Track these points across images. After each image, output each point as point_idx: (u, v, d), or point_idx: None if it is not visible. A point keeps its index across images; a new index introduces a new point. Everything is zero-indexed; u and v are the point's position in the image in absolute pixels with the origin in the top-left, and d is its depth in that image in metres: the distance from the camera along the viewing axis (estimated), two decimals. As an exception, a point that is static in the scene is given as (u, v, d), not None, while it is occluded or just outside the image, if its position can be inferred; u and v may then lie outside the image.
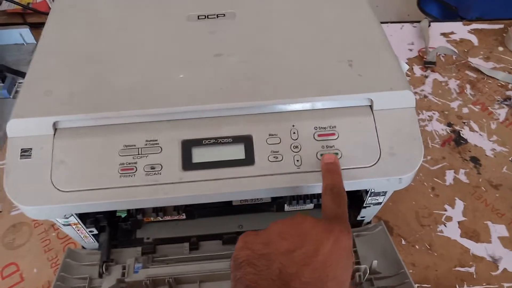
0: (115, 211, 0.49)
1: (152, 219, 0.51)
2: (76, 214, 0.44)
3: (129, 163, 0.40)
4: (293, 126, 0.41)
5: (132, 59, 0.45)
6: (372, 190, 0.45)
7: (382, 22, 0.50)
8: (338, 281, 0.30)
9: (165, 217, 0.50)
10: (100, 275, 0.48)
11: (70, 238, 0.58)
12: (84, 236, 0.49)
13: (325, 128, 0.41)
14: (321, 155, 0.41)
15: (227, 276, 0.47)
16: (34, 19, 0.89)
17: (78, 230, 0.48)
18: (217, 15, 0.50)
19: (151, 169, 0.40)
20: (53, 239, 0.60)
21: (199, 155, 0.41)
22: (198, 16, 0.50)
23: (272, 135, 0.41)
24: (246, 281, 0.29)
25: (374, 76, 0.43)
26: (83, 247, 0.54)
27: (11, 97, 0.71)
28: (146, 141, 0.41)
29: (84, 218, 0.47)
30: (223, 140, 0.41)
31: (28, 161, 0.40)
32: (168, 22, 0.50)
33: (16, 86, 0.73)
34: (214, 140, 0.41)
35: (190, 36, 0.48)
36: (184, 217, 0.51)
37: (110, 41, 0.47)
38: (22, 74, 0.73)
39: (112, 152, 0.40)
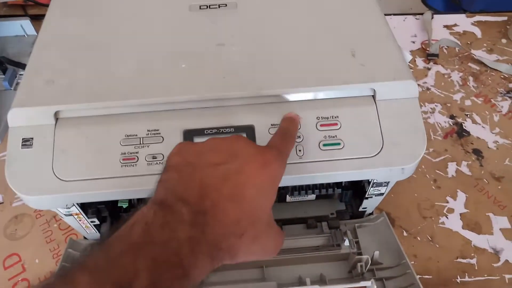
0: (116, 202, 0.49)
1: (153, 209, 0.51)
2: (77, 204, 0.44)
3: (131, 153, 0.40)
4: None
5: (134, 48, 0.45)
6: (375, 181, 0.45)
7: (385, 14, 0.50)
8: (256, 204, 0.30)
9: (166, 207, 0.50)
10: (102, 265, 0.48)
11: (71, 229, 0.58)
12: (86, 227, 0.49)
13: (327, 118, 0.41)
14: (324, 145, 0.41)
15: (224, 266, 0.47)
16: (35, 11, 0.88)
17: (80, 221, 0.48)
18: (219, 5, 0.50)
19: (153, 158, 0.40)
20: (55, 230, 0.60)
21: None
22: (200, 6, 0.50)
23: (274, 125, 0.41)
24: (166, 184, 0.30)
25: (377, 66, 0.43)
26: (85, 238, 0.54)
27: (12, 88, 0.71)
28: (148, 130, 0.41)
29: (86, 208, 0.47)
30: (225, 130, 0.41)
31: (30, 150, 0.40)
32: (169, 12, 0.49)
33: (17, 78, 0.73)
34: (216, 130, 0.41)
35: (192, 26, 0.48)
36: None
37: (111, 31, 0.47)
38: (23, 66, 0.73)
39: (113, 142, 0.40)
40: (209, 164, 0.30)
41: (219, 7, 0.50)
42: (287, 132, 0.37)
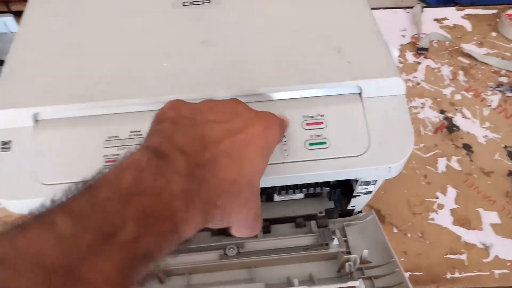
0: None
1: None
2: (60, 207, 0.43)
3: (113, 155, 0.39)
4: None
5: (115, 47, 0.44)
6: (362, 179, 0.45)
7: (374, 8, 0.49)
8: (252, 165, 0.29)
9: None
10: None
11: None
12: (70, 229, 0.48)
13: (313, 116, 0.41)
14: (310, 144, 0.40)
15: (212, 267, 0.47)
16: (18, 7, 0.86)
17: (64, 224, 0.47)
18: (202, 1, 0.49)
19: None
20: (41, 232, 0.59)
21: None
22: (183, 3, 0.49)
23: (259, 124, 0.40)
24: (163, 133, 0.28)
25: (363, 63, 0.42)
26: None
27: (-5, 88, 0.70)
28: (130, 132, 0.40)
29: (69, 211, 0.46)
30: (209, 130, 0.40)
31: (8, 154, 0.39)
32: (152, 9, 0.48)
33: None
34: (199, 130, 0.40)
35: (174, 23, 0.46)
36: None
37: (91, 29, 0.46)
38: (6, 64, 0.71)
39: (95, 144, 0.39)
40: (209, 121, 0.29)
41: (202, 3, 0.48)
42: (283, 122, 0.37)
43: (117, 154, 0.39)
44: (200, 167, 0.26)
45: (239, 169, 0.28)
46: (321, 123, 0.40)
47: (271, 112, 0.34)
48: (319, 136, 0.40)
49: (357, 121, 0.41)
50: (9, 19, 0.79)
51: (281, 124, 0.33)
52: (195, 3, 0.48)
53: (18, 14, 0.81)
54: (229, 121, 0.29)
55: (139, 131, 0.40)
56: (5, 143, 0.39)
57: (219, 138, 0.28)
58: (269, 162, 0.38)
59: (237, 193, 0.28)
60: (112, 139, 0.40)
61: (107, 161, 0.39)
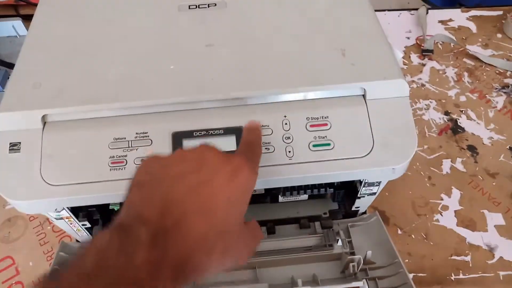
0: (108, 205, 0.49)
1: (145, 211, 0.50)
2: (68, 207, 0.44)
3: (119, 156, 0.40)
4: (285, 116, 0.41)
5: (122, 50, 0.45)
6: (366, 181, 0.45)
7: (380, 10, 0.49)
8: (226, 216, 0.28)
9: (158, 209, 0.50)
10: (94, 268, 0.48)
11: (65, 232, 0.58)
12: (77, 230, 0.49)
13: (317, 118, 0.41)
14: (314, 146, 0.40)
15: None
16: (27, 11, 0.87)
17: (71, 224, 0.48)
18: (208, 4, 0.49)
19: (142, 162, 0.40)
20: (49, 233, 0.60)
21: (190, 147, 0.40)
22: (189, 6, 0.49)
23: (264, 126, 0.41)
24: (128, 203, 0.28)
25: (367, 65, 0.42)
26: (77, 241, 0.54)
27: (4, 90, 0.71)
28: (136, 133, 0.41)
29: (77, 211, 0.47)
30: (214, 132, 0.40)
31: (17, 155, 0.39)
32: (158, 12, 0.49)
33: (9, 79, 0.72)
34: (205, 132, 0.40)
35: (180, 26, 0.47)
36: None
37: (99, 33, 0.47)
38: (15, 67, 0.72)
39: (102, 145, 0.40)
40: (173, 176, 0.28)
41: (208, 6, 0.49)
42: (251, 141, 0.36)
43: (123, 155, 0.40)
44: (163, 233, 0.25)
45: (207, 223, 0.27)
46: (326, 124, 0.41)
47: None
48: (323, 137, 0.40)
49: (361, 122, 0.41)
50: (18, 23, 0.80)
51: (252, 162, 0.32)
52: (201, 6, 0.49)
53: (26, 18, 0.83)
54: (192, 171, 0.28)
55: (145, 133, 0.40)
56: (14, 144, 0.40)
57: (183, 197, 0.27)
58: (273, 164, 0.40)
59: (209, 250, 0.27)
60: (119, 140, 0.40)
61: (112, 162, 0.40)
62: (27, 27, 0.81)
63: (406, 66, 0.79)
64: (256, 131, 0.37)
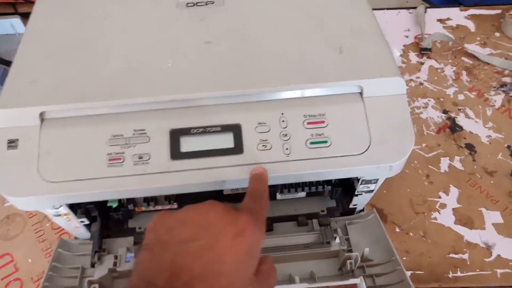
0: (106, 201, 0.49)
1: (143, 209, 0.50)
2: (66, 204, 0.44)
3: (117, 153, 0.40)
4: (282, 114, 0.41)
5: (120, 47, 0.45)
6: (363, 178, 0.45)
7: (378, 9, 0.50)
8: (233, 277, 0.28)
9: (156, 206, 0.50)
10: (92, 265, 0.48)
11: (64, 229, 0.58)
12: (75, 227, 0.49)
13: (314, 116, 0.41)
14: (311, 143, 0.40)
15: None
16: (25, 9, 0.88)
17: (69, 221, 0.48)
18: (206, 2, 0.49)
19: (139, 158, 0.40)
20: (47, 230, 0.60)
21: (188, 144, 0.40)
22: (187, 4, 0.49)
23: (261, 123, 0.41)
24: (139, 267, 0.29)
25: (364, 63, 0.42)
26: (76, 238, 0.54)
27: (2, 87, 0.71)
28: (134, 130, 0.41)
29: (75, 208, 0.47)
30: (211, 129, 0.41)
31: (15, 152, 0.39)
32: (156, 10, 0.49)
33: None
34: (202, 129, 0.41)
35: (179, 24, 0.47)
36: (175, 206, 0.50)
37: (97, 30, 0.47)
38: (14, 65, 0.72)
39: (99, 142, 0.40)
40: (180, 241, 0.29)
41: (206, 4, 0.49)
42: (257, 192, 0.36)
43: (121, 152, 0.40)
44: None
45: (218, 286, 0.28)
46: (323, 122, 0.41)
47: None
48: (320, 135, 0.40)
49: (358, 120, 0.41)
50: (16, 21, 0.80)
51: (257, 217, 0.32)
52: (199, 4, 0.49)
53: (25, 16, 0.83)
54: (198, 237, 0.29)
55: (143, 130, 0.40)
56: (12, 141, 0.40)
57: (189, 263, 0.28)
58: (270, 161, 0.40)
59: None
60: (116, 137, 0.40)
61: (110, 159, 0.40)
62: (25, 25, 0.80)
63: (405, 65, 0.80)
64: (262, 179, 0.38)
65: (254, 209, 0.33)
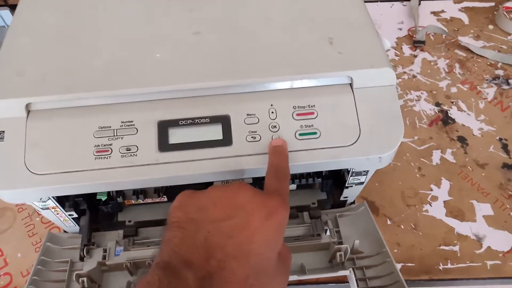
0: (95, 194, 0.49)
1: (133, 201, 0.50)
2: (54, 197, 0.44)
3: (105, 145, 0.40)
4: (272, 105, 0.41)
5: (108, 38, 0.44)
6: (353, 170, 0.45)
7: (372, 1, 0.49)
8: (262, 257, 0.29)
9: (146, 199, 0.49)
10: (81, 258, 0.48)
11: (54, 223, 0.58)
12: (64, 220, 0.49)
13: (304, 107, 0.41)
14: (300, 134, 0.40)
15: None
16: (15, 1, 0.86)
17: (58, 214, 0.47)
18: (195, -8, 0.49)
19: (127, 150, 0.39)
20: (37, 224, 0.59)
21: (176, 136, 0.40)
22: (176, -6, 0.49)
23: (250, 115, 0.40)
24: (171, 243, 0.29)
25: (354, 53, 0.42)
26: (65, 231, 0.54)
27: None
28: (122, 122, 0.40)
29: (63, 201, 0.46)
30: (200, 121, 0.40)
31: (1, 144, 0.39)
32: (145, 0, 0.48)
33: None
34: (190, 121, 0.40)
35: (167, 14, 0.47)
36: (165, 199, 0.50)
37: (84, 20, 0.46)
38: (3, 57, 0.71)
39: (87, 134, 0.40)
40: (212, 220, 0.29)
41: (196, -6, 0.48)
42: (279, 168, 0.36)
43: (109, 144, 0.39)
44: (208, 278, 0.27)
45: (247, 267, 0.28)
46: (312, 113, 0.40)
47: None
48: (309, 126, 0.40)
49: (347, 111, 0.41)
50: (6, 13, 0.79)
51: (284, 198, 0.33)
52: (188, -6, 0.48)
53: (14, 7, 0.81)
54: (231, 217, 0.30)
55: (131, 121, 0.40)
56: (-3, 133, 0.39)
57: (223, 241, 0.28)
58: (260, 153, 0.40)
59: (252, 287, 0.29)
60: (104, 129, 0.40)
61: (97, 151, 0.39)
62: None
63: (398, 57, 0.79)
64: (283, 153, 0.38)
65: (280, 188, 0.34)
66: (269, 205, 0.31)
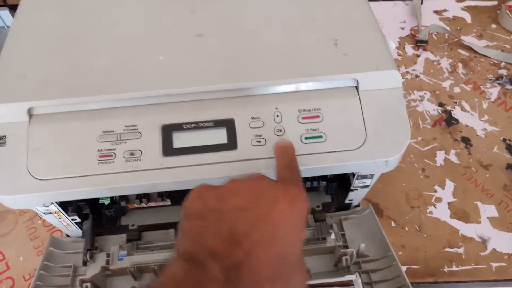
0: (98, 198, 0.48)
1: (136, 205, 0.50)
2: (56, 202, 0.43)
3: (108, 150, 0.39)
4: (277, 109, 0.40)
5: (110, 40, 0.44)
6: (359, 173, 0.44)
7: (374, 0, 0.49)
8: (286, 244, 0.29)
9: (149, 203, 0.49)
10: (85, 263, 0.48)
11: (56, 226, 0.58)
12: (66, 224, 0.48)
13: (309, 110, 0.40)
14: (306, 138, 0.40)
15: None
16: (14, 1, 0.85)
17: (60, 218, 0.47)
18: (198, -7, 0.48)
19: (131, 155, 0.39)
20: (39, 227, 0.59)
21: (180, 140, 0.39)
22: (179, -5, 0.48)
23: (255, 118, 0.40)
24: (193, 233, 0.28)
25: (360, 55, 0.41)
26: (67, 235, 0.53)
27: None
28: (125, 126, 0.40)
29: (66, 206, 0.46)
30: (204, 124, 0.40)
31: (3, 149, 0.38)
32: (147, 1, 0.48)
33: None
34: (195, 125, 0.40)
35: (169, 15, 0.46)
36: (169, 203, 0.50)
37: (86, 22, 0.45)
38: (3, 59, 0.71)
39: (90, 138, 0.39)
40: (235, 208, 0.29)
41: (198, -4, 0.48)
42: (291, 165, 0.36)
43: (112, 149, 0.39)
44: (235, 269, 0.26)
45: (274, 254, 0.28)
46: (318, 116, 0.40)
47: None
48: (315, 130, 0.40)
49: (353, 114, 0.40)
50: (5, 13, 0.78)
51: (303, 190, 0.32)
52: (191, -5, 0.48)
53: (13, 8, 0.81)
54: (254, 205, 0.29)
55: (134, 126, 0.40)
56: (-1, 138, 0.39)
57: (248, 230, 0.28)
58: (265, 157, 0.39)
59: (276, 278, 0.28)
60: (107, 133, 0.39)
61: (101, 156, 0.39)
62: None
63: (401, 57, 0.79)
64: (290, 154, 0.37)
65: (295, 179, 0.34)
66: (291, 192, 0.30)
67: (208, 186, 0.31)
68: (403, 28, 0.84)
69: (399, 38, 0.82)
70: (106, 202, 0.48)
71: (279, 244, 0.28)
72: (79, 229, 0.50)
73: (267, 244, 0.28)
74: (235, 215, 0.28)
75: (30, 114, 0.40)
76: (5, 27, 0.79)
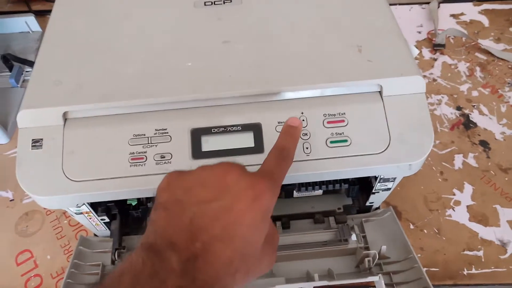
0: (125, 200, 0.50)
1: (162, 206, 0.51)
2: (88, 203, 0.45)
3: (139, 152, 0.41)
4: (302, 113, 0.41)
5: (140, 47, 0.45)
6: (382, 176, 0.45)
7: (391, 4, 0.49)
8: (248, 241, 0.29)
9: (175, 204, 0.50)
10: (113, 262, 0.49)
11: (81, 225, 0.59)
12: (95, 224, 0.50)
13: (334, 115, 0.41)
14: (331, 142, 0.41)
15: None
16: (39, 7, 0.88)
17: (90, 219, 0.48)
18: (223, 1, 0.50)
19: (161, 158, 0.40)
20: (65, 227, 0.61)
21: (208, 143, 0.41)
22: (205, 2, 0.49)
23: (281, 122, 0.41)
24: (156, 224, 0.28)
25: (383, 61, 0.42)
26: (95, 235, 0.55)
27: (19, 86, 0.71)
28: (156, 130, 0.41)
29: (96, 206, 0.48)
30: (232, 128, 0.41)
31: (39, 151, 0.40)
32: (175, 9, 0.49)
33: (23, 75, 0.73)
34: (223, 129, 0.41)
35: (197, 23, 0.47)
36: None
37: (117, 29, 0.47)
38: (29, 63, 0.73)
39: (121, 142, 0.41)
40: (198, 201, 0.29)
41: (224, 3, 0.49)
42: (284, 151, 0.35)
43: (143, 152, 0.40)
44: (192, 261, 0.27)
45: (232, 250, 0.28)
46: (342, 121, 0.41)
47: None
48: (340, 134, 0.41)
49: (377, 119, 0.41)
50: (30, 19, 0.81)
51: (275, 182, 0.32)
52: (217, 3, 0.49)
53: (38, 13, 0.83)
54: (217, 198, 0.29)
55: (164, 129, 0.41)
56: (36, 141, 0.40)
57: (208, 223, 0.28)
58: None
59: (234, 273, 0.28)
60: (138, 137, 0.41)
61: (132, 159, 0.40)
62: (39, 23, 0.81)
63: (418, 61, 0.79)
64: (294, 135, 0.36)
65: (276, 172, 0.33)
66: (256, 188, 0.29)
67: (177, 174, 0.31)
68: (420, 32, 0.84)
69: (416, 42, 0.83)
70: (134, 203, 0.50)
71: (239, 240, 0.28)
72: (107, 229, 0.52)
73: (226, 239, 0.28)
74: (198, 208, 0.28)
75: (65, 118, 0.41)
76: (30, 32, 0.82)
